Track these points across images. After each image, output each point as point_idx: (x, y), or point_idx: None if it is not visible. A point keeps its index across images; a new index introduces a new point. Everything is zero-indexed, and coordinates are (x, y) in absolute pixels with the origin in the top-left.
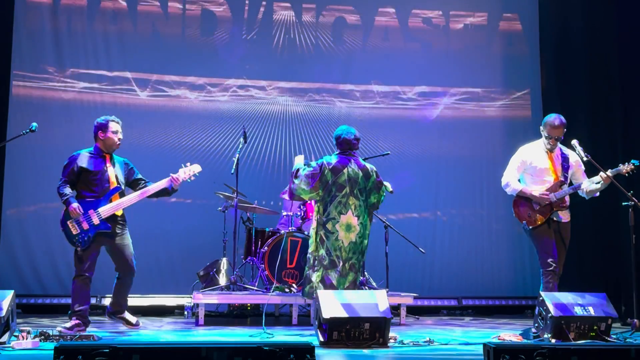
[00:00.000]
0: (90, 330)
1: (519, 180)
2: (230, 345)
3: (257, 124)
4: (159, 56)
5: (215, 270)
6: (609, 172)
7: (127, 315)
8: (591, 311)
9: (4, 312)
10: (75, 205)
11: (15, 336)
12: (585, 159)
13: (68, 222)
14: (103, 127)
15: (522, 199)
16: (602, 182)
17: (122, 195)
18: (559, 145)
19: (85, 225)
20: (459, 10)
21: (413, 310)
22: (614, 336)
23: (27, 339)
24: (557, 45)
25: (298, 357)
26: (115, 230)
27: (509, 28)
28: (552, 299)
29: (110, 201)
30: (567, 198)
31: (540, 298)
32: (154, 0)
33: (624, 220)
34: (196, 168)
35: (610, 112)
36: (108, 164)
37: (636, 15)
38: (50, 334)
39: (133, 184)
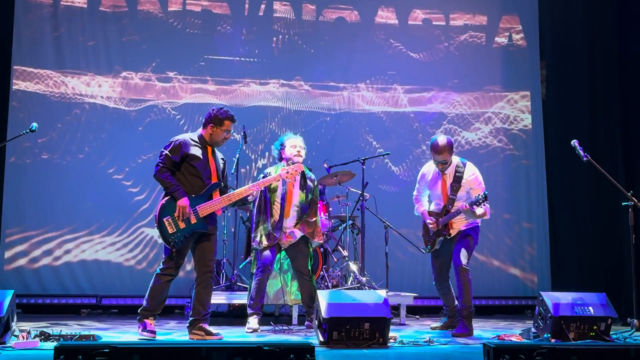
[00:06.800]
0: (90, 330)
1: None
2: (230, 345)
3: (257, 123)
4: (158, 56)
5: (215, 270)
6: (466, 204)
7: (207, 326)
8: (591, 311)
9: (4, 312)
10: (185, 201)
11: (15, 336)
12: (585, 159)
13: (164, 220)
14: (218, 122)
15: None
16: (462, 211)
17: (222, 193)
18: (458, 161)
19: (182, 224)
20: (459, 10)
21: (413, 310)
22: (614, 336)
23: (27, 339)
24: (557, 46)
25: (298, 357)
26: (209, 233)
27: (509, 29)
28: (552, 299)
29: (210, 197)
30: (460, 220)
31: (540, 298)
32: None
33: (624, 220)
34: (299, 167)
35: (610, 113)
36: (210, 157)
37: (636, 15)
38: (50, 334)
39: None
